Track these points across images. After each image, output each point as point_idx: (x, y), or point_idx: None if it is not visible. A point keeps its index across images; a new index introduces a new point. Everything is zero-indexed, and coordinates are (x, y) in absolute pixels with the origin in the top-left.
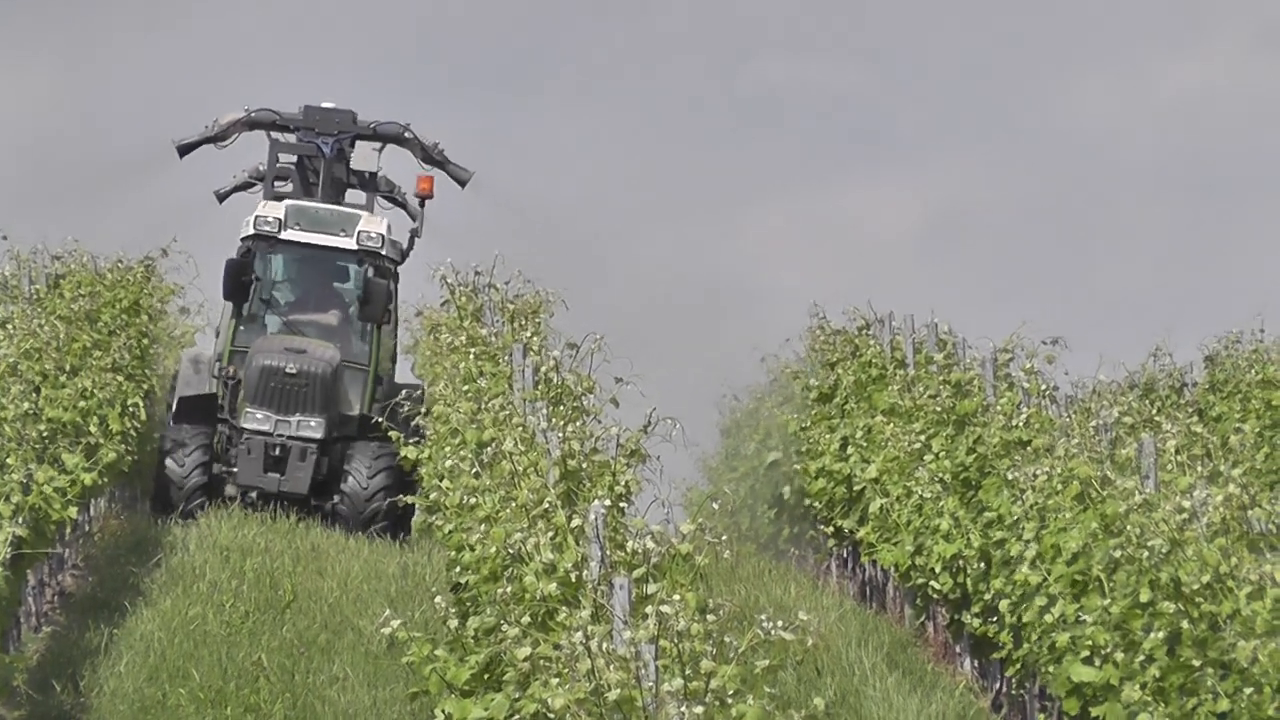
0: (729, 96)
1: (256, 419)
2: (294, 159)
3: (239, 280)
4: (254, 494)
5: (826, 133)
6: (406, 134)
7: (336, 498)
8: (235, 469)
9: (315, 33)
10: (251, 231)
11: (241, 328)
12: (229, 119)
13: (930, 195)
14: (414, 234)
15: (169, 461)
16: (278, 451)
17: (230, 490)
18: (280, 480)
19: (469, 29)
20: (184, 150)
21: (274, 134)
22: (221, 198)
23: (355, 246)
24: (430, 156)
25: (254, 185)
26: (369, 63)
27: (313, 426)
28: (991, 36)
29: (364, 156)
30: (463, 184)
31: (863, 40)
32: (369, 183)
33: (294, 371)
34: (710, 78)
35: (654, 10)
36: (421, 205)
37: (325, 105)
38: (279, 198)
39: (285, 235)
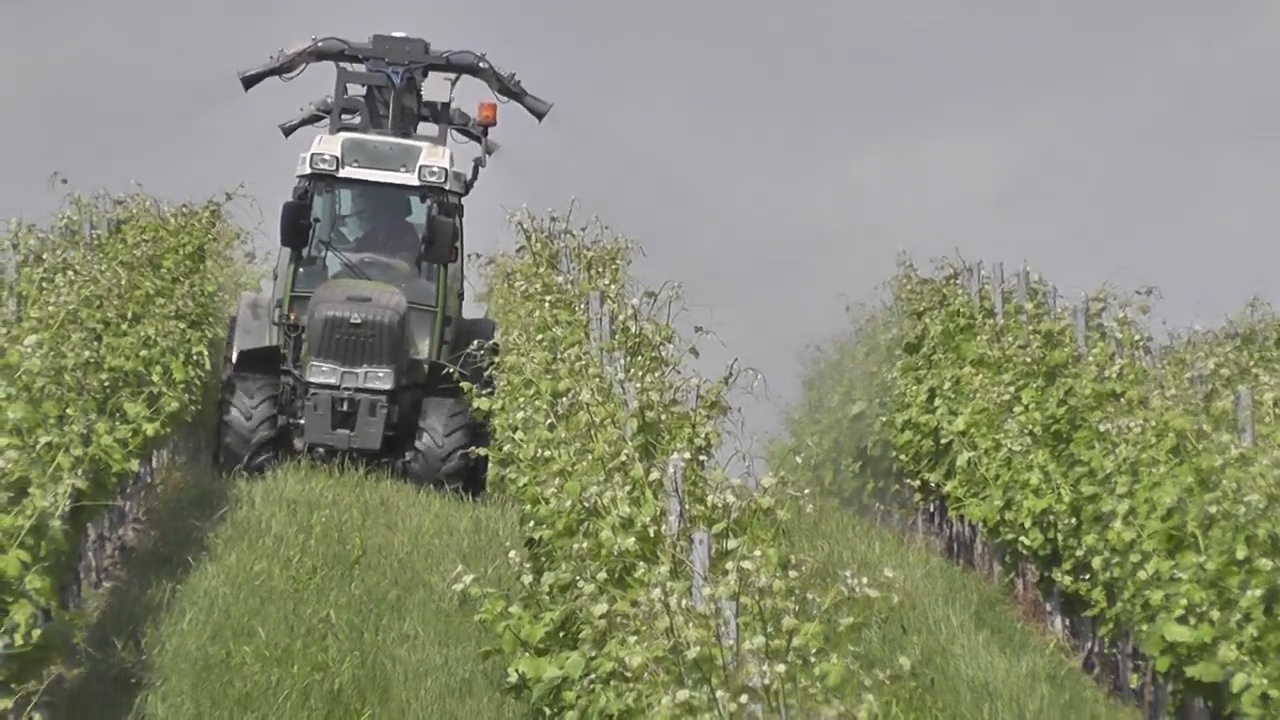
0: (816, 43)
1: (322, 372)
2: (363, 90)
3: (297, 223)
4: (322, 450)
5: (918, 78)
6: (481, 64)
7: (410, 455)
8: (302, 422)
9: None
10: (308, 170)
11: (301, 271)
12: (295, 49)
13: (1022, 143)
14: (478, 163)
15: (233, 413)
16: (346, 406)
17: (298, 445)
18: (350, 436)
19: None
20: (249, 82)
21: (342, 64)
22: (288, 132)
23: (417, 182)
24: (506, 88)
25: (321, 118)
26: None
27: (381, 378)
28: None
29: (436, 87)
30: (540, 116)
31: None
32: (441, 115)
33: (359, 321)
34: (797, 23)
35: None
36: (485, 134)
37: (396, 34)
38: (348, 130)
39: (343, 173)
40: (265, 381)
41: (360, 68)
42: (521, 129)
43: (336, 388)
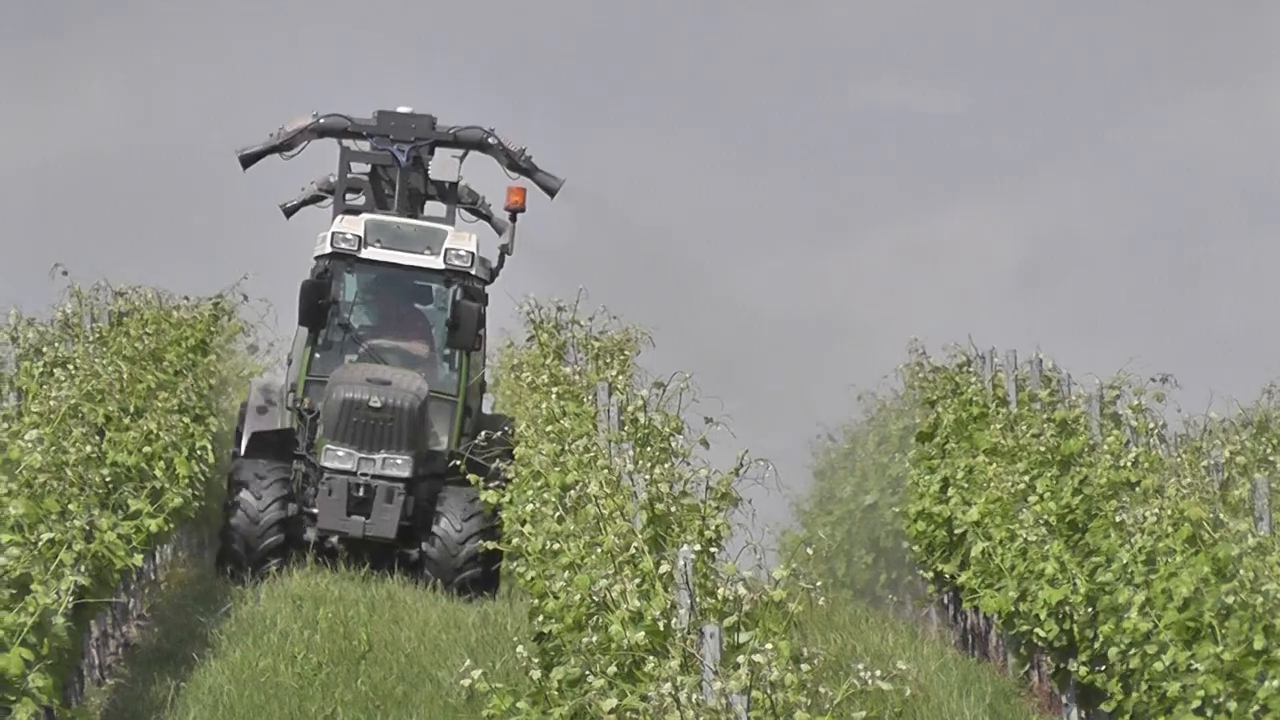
0: (828, 124)
1: (338, 456)
2: (367, 169)
3: (315, 304)
4: (335, 539)
5: (927, 161)
6: (490, 139)
7: (425, 543)
8: (315, 510)
9: (393, 34)
10: (328, 250)
11: (318, 355)
12: (296, 125)
13: (1033, 224)
14: (504, 250)
15: (243, 495)
16: (362, 492)
17: (310, 534)
18: (365, 524)
19: (564, 40)
20: (248, 161)
21: (345, 142)
22: (289, 212)
23: (443, 266)
24: (516, 164)
25: (324, 198)
26: (450, 67)
27: (399, 464)
28: (1095, 61)
29: (444, 165)
30: (552, 193)
31: (965, 66)
32: (449, 194)
33: (378, 405)
34: (809, 105)
35: (754, 34)
36: (513, 219)
37: (401, 110)
38: (352, 211)
39: (365, 254)
40: (276, 467)
41: (364, 145)
42: (532, 205)
43: (353, 473)
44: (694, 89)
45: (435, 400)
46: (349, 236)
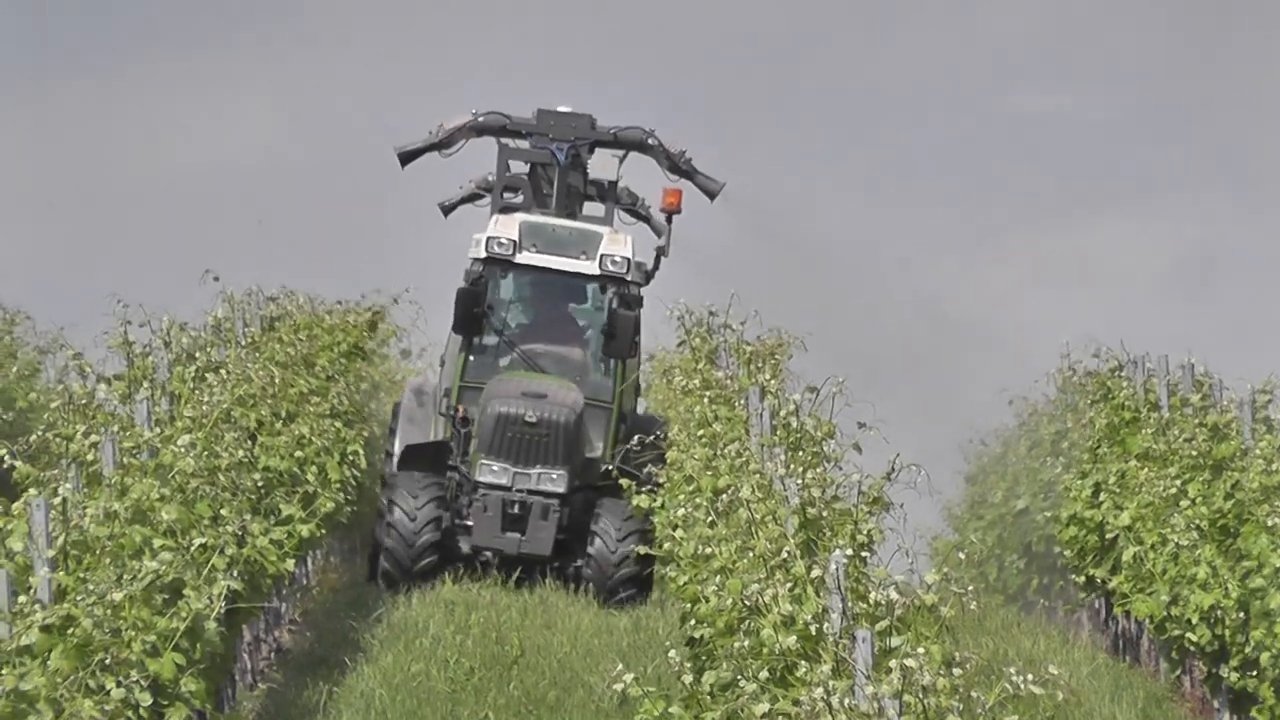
0: (980, 130)
1: (493, 471)
2: (526, 167)
3: (471, 311)
4: (490, 554)
5: (1077, 168)
6: (650, 140)
7: (581, 560)
8: (470, 523)
9: (553, 34)
10: (483, 254)
11: (472, 359)
12: (455, 124)
13: (1186, 233)
14: (660, 252)
15: (397, 514)
16: (517, 509)
17: (464, 548)
18: (521, 541)
19: (728, 45)
20: (406, 158)
21: (504, 140)
22: (447, 211)
23: (598, 271)
24: (676, 166)
25: (482, 197)
26: (611, 68)
27: (555, 480)
28: (1246, 70)
29: (603, 165)
30: (712, 197)
31: (1118, 73)
32: (608, 193)
33: (534, 420)
34: (961, 111)
35: (913, 40)
36: (669, 221)
37: (561, 109)
38: (509, 210)
39: (520, 258)
40: (430, 482)
41: (523, 144)
42: (691, 208)
43: (508, 489)
44: (853, 95)
45: (591, 407)
46: (504, 241)
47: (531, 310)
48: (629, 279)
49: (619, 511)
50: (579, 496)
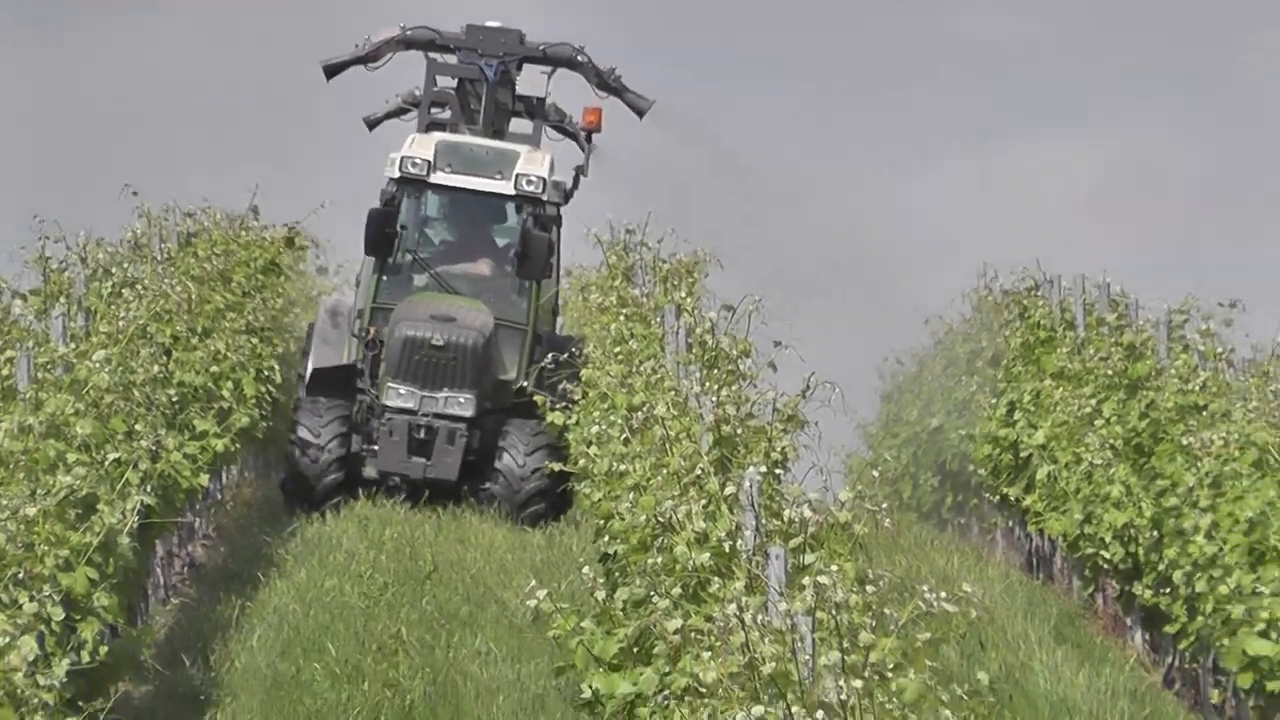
0: (911, 51)
1: (400, 395)
2: (453, 83)
3: (383, 231)
4: (396, 479)
5: (1008, 87)
6: (580, 57)
7: (490, 480)
8: (376, 448)
9: None
10: (397, 174)
11: (385, 280)
12: (382, 37)
13: (1111, 153)
14: (579, 171)
15: (302, 434)
16: (423, 433)
17: (369, 472)
18: (426, 465)
19: None
20: (331, 71)
21: (432, 55)
22: (372, 125)
23: (513, 191)
24: (606, 83)
25: (408, 111)
26: None
27: (462, 404)
28: None
29: (532, 81)
30: (641, 114)
31: None
32: (536, 110)
33: (441, 343)
34: (895, 32)
35: None
36: (588, 140)
37: (490, 24)
38: (437, 125)
39: (435, 178)
40: (336, 407)
41: (451, 59)
42: (620, 124)
43: (414, 413)
44: (786, 15)
45: (504, 329)
46: (418, 161)
47: (448, 231)
48: (545, 199)
49: (527, 429)
50: (490, 420)
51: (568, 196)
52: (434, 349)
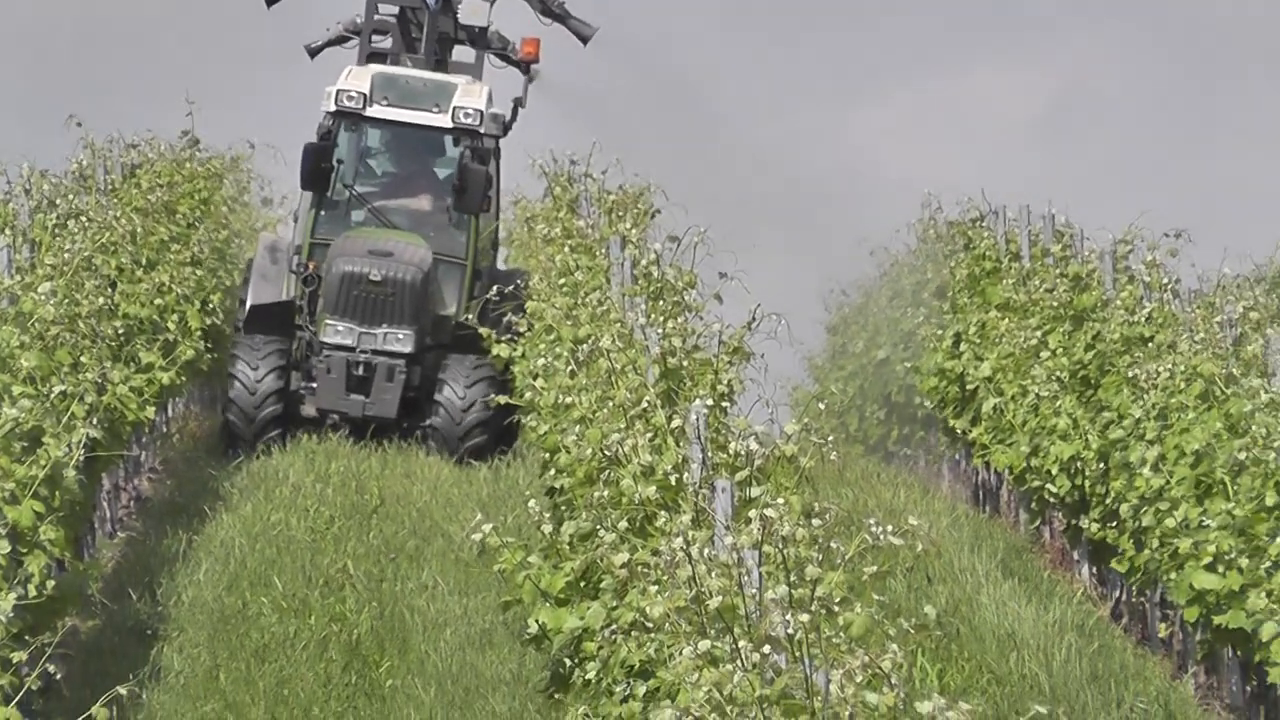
0: None
1: (338, 332)
2: (395, 10)
3: (319, 166)
4: (335, 417)
5: (948, 14)
6: None
7: (428, 423)
8: (315, 385)
9: None
10: (333, 107)
11: (323, 214)
12: None
13: (1056, 78)
14: (518, 103)
15: (238, 387)
16: (361, 370)
17: (308, 410)
18: (365, 403)
19: None
20: None
21: None
22: (313, 53)
23: (450, 124)
24: (549, 9)
25: (350, 39)
26: None
27: (401, 339)
28: None
29: (474, 9)
30: (585, 40)
31: None
32: (479, 39)
33: (378, 279)
34: None
35: None
36: (525, 71)
37: None
38: (378, 55)
39: (371, 111)
40: (273, 346)
41: None
42: (564, 50)
43: (352, 349)
44: None
45: (444, 264)
46: (354, 94)
47: (386, 165)
48: (483, 131)
49: (467, 364)
50: (430, 356)
51: (506, 129)
52: (372, 284)
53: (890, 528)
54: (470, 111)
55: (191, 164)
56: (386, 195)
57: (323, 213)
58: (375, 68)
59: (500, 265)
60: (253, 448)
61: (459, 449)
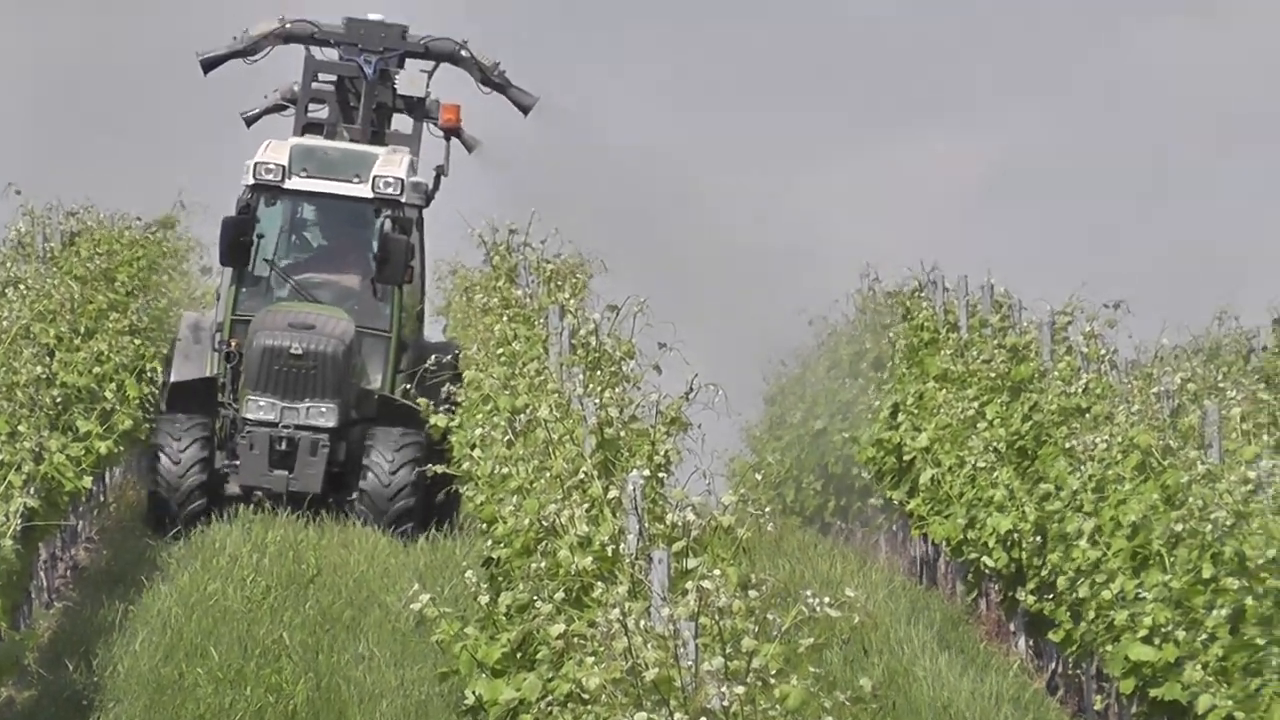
0: (789, 51)
1: (260, 407)
2: (333, 79)
3: (237, 240)
4: (260, 493)
5: (888, 87)
6: (463, 52)
7: (355, 495)
8: (238, 463)
9: None
10: (251, 180)
11: (244, 291)
12: (260, 30)
13: (994, 151)
14: (439, 172)
15: (161, 460)
16: (284, 445)
17: (232, 489)
18: (289, 478)
19: None
20: (209, 65)
21: (311, 50)
22: (250, 121)
23: (370, 194)
24: (489, 79)
25: (286, 108)
26: None
27: (324, 414)
28: None
29: (413, 79)
30: (526, 111)
31: None
32: (417, 108)
33: (300, 352)
34: (772, 30)
35: None
36: (447, 139)
37: (371, 17)
38: (314, 125)
39: (290, 184)
40: (195, 423)
41: (332, 54)
42: (506, 121)
43: (275, 425)
44: (667, 18)
45: (368, 336)
46: (272, 166)
47: (305, 238)
48: (404, 200)
49: (392, 441)
50: (355, 430)
51: (429, 198)
52: (293, 358)
53: (827, 599)
54: (390, 181)
55: (131, 232)
56: (308, 269)
57: (244, 289)
58: (294, 140)
59: (440, 335)
60: (178, 520)
61: (388, 510)
